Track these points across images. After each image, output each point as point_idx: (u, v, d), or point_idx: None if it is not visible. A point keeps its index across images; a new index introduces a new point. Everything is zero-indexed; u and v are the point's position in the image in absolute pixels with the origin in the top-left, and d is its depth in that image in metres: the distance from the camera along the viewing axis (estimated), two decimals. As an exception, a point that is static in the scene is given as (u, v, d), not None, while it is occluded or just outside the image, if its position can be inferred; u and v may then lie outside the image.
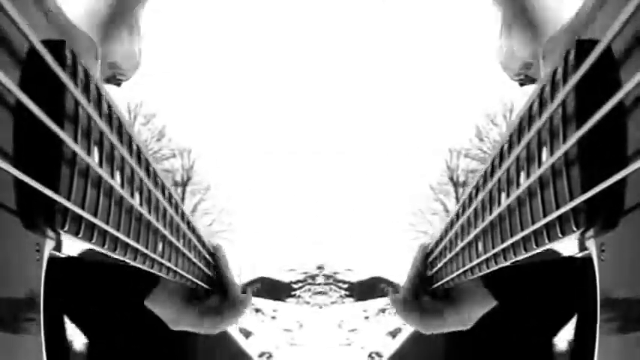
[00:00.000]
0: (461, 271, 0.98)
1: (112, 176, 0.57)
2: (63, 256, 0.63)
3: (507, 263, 0.72)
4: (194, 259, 1.06)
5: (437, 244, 1.19)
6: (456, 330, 1.20)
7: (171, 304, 1.13)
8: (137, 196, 0.66)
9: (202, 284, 1.16)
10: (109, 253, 0.61)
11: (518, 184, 0.61)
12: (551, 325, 0.95)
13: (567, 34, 0.45)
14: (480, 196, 0.79)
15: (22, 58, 0.41)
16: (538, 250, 0.59)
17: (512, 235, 0.65)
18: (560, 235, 0.52)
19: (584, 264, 0.56)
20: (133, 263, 0.70)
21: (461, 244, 0.94)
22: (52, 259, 0.52)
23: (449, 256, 1.06)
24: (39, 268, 0.49)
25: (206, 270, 1.17)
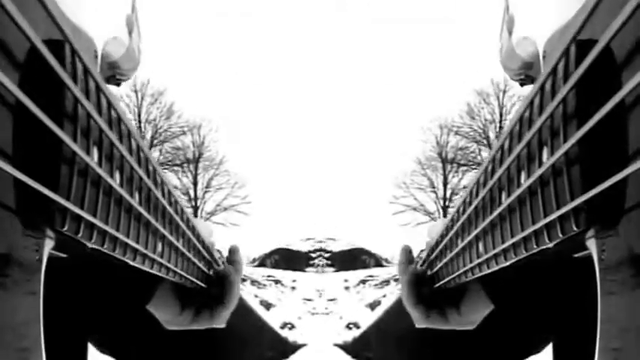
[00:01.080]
0: (461, 271, 0.98)
1: (112, 175, 0.57)
2: (63, 255, 0.63)
3: (508, 263, 0.72)
4: (193, 259, 1.05)
5: (437, 243, 1.19)
6: (460, 329, 1.21)
7: (168, 306, 1.13)
8: (137, 195, 0.66)
9: (201, 284, 1.16)
10: (109, 253, 0.61)
11: (518, 184, 0.61)
12: (551, 324, 0.95)
13: (567, 34, 0.45)
14: (480, 196, 0.79)
15: (23, 58, 0.41)
16: (538, 250, 0.59)
17: (512, 235, 0.65)
18: (560, 234, 0.52)
19: (584, 264, 0.56)
20: (132, 263, 0.70)
21: (461, 244, 0.94)
22: (52, 259, 0.52)
23: (449, 255, 1.06)
24: (39, 268, 0.49)
25: (204, 269, 1.17)
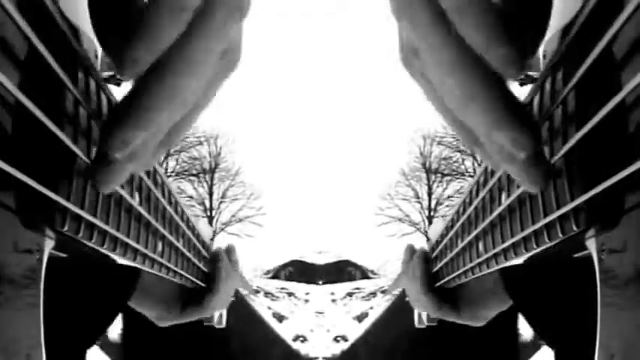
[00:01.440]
0: (461, 270, 0.98)
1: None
2: (63, 255, 0.63)
3: (508, 263, 0.72)
4: (193, 259, 1.06)
5: (438, 242, 1.19)
6: (468, 324, 1.21)
7: (154, 304, 1.12)
8: (137, 195, 0.66)
9: (201, 283, 1.16)
10: (109, 253, 0.61)
11: (518, 184, 0.61)
12: (551, 324, 0.95)
13: (567, 34, 0.45)
14: (481, 196, 0.79)
15: (23, 58, 0.41)
16: (538, 250, 0.59)
17: (512, 235, 0.65)
18: (560, 234, 0.52)
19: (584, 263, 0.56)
20: (132, 263, 0.70)
21: (461, 244, 0.94)
22: (52, 259, 0.52)
23: (449, 255, 1.06)
24: (39, 268, 0.49)
25: (205, 269, 1.17)
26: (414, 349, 1.27)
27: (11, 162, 0.40)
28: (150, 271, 0.79)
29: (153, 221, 0.73)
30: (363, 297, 10.97)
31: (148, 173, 0.69)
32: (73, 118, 0.48)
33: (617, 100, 0.39)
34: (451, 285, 1.12)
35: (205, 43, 0.45)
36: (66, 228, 0.49)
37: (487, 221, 0.75)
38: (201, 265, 1.14)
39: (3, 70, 0.37)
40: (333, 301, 11.11)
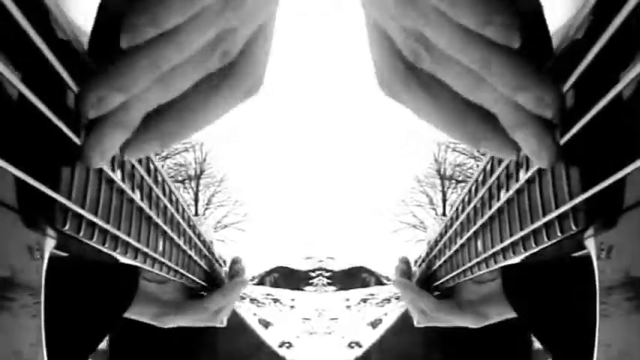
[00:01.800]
0: (460, 270, 0.98)
1: (112, 173, 0.57)
2: (64, 254, 0.63)
3: (507, 262, 0.72)
4: (195, 257, 1.06)
5: (436, 242, 1.19)
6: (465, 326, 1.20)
7: (152, 301, 1.10)
8: (138, 193, 0.66)
9: (202, 283, 1.16)
10: (110, 252, 0.61)
11: (517, 182, 0.61)
12: (550, 324, 0.95)
13: (567, 34, 0.46)
14: (479, 195, 0.79)
15: (23, 58, 0.41)
16: (537, 249, 0.59)
17: (511, 234, 0.65)
18: (559, 234, 0.52)
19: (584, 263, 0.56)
20: (133, 262, 0.70)
21: (459, 243, 0.94)
22: (53, 259, 0.52)
23: (447, 254, 1.06)
24: (40, 267, 0.49)
25: (206, 268, 1.17)
26: (428, 355, 1.27)
27: (12, 161, 0.41)
28: (151, 270, 0.79)
29: (154, 219, 0.73)
30: (377, 303, 10.95)
31: (148, 171, 0.69)
32: (74, 117, 0.48)
33: (615, 99, 0.39)
34: (450, 284, 1.12)
35: (198, 27, 0.45)
36: (67, 227, 0.49)
37: (485, 218, 0.75)
38: (202, 264, 1.14)
39: (4, 69, 0.37)
40: (348, 307, 11.11)
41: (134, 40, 0.44)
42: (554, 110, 0.44)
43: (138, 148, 0.48)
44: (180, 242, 0.92)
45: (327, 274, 13.65)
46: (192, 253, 1.03)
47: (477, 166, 0.76)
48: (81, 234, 0.52)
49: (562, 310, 0.86)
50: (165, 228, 0.81)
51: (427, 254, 1.26)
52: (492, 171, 0.71)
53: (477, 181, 0.82)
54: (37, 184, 0.43)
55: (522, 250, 0.63)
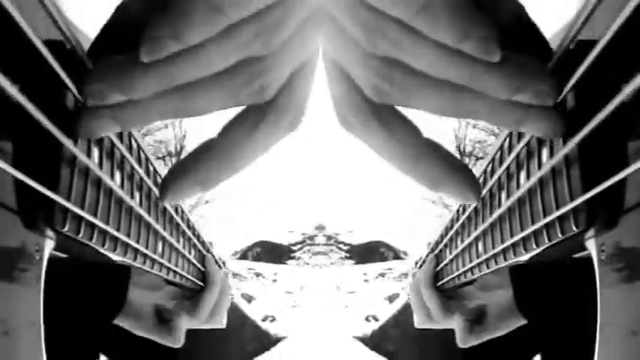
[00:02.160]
0: (461, 271, 0.98)
1: (112, 175, 0.57)
2: (63, 256, 0.63)
3: (507, 263, 0.72)
4: (193, 260, 1.06)
5: (437, 243, 1.19)
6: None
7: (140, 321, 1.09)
8: (137, 195, 0.66)
9: (201, 284, 1.16)
10: (109, 254, 0.61)
11: (518, 184, 0.61)
12: (550, 325, 0.95)
13: (567, 34, 0.45)
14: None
15: (23, 58, 0.41)
16: (537, 250, 0.59)
17: (512, 236, 0.65)
18: (560, 234, 0.52)
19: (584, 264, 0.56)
20: (133, 263, 0.70)
21: (461, 246, 0.94)
22: (52, 259, 0.52)
23: (449, 257, 1.06)
24: (39, 268, 0.49)
25: (202, 268, 1.17)
26: (445, 329, 1.25)
27: (11, 162, 0.40)
28: (150, 271, 0.79)
29: (153, 222, 0.73)
30: (394, 278, 10.87)
31: (148, 173, 0.69)
32: (74, 118, 0.48)
33: (617, 100, 0.39)
34: (450, 285, 1.12)
35: (221, 48, 0.43)
36: (66, 228, 0.49)
37: (487, 223, 0.75)
38: (200, 266, 1.14)
39: (3, 70, 0.37)
40: (366, 281, 11.03)
41: (154, 54, 0.42)
42: (554, 96, 0.43)
43: (179, 192, 0.47)
44: (179, 245, 0.92)
45: (345, 248, 13.51)
46: (191, 256, 1.03)
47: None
48: (80, 235, 0.52)
49: (562, 307, 0.86)
50: (165, 229, 0.81)
51: (427, 255, 1.26)
52: (493, 172, 0.70)
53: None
54: (36, 186, 0.43)
55: (523, 252, 0.63)
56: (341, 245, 13.29)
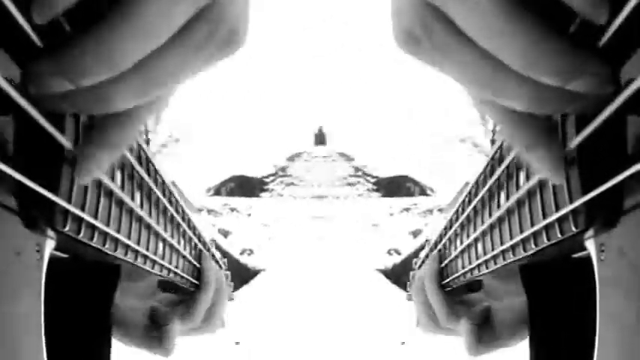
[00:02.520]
0: (460, 272, 0.98)
1: (113, 176, 0.57)
2: (64, 256, 0.63)
3: (507, 263, 0.72)
4: (194, 261, 1.06)
5: (436, 244, 1.19)
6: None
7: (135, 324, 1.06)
8: (137, 195, 0.66)
9: (194, 281, 1.15)
10: (110, 254, 0.61)
11: (517, 185, 0.61)
12: (550, 325, 0.95)
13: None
14: (479, 196, 0.79)
15: (22, 59, 0.41)
16: (537, 250, 0.59)
17: (511, 236, 0.65)
18: (559, 235, 0.52)
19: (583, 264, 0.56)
20: (133, 263, 0.70)
21: (460, 247, 0.94)
22: (53, 259, 0.52)
23: (448, 258, 1.06)
24: (39, 268, 0.49)
25: (197, 265, 1.16)
26: None
27: (12, 163, 0.40)
28: (151, 271, 0.79)
29: (153, 223, 0.73)
30: (419, 213, 10.79)
31: (148, 172, 0.69)
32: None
33: (618, 101, 0.39)
34: (450, 286, 1.12)
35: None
36: (67, 228, 0.49)
37: (487, 224, 0.75)
38: (196, 263, 1.14)
39: (3, 70, 0.37)
40: (391, 214, 10.94)
41: (86, 83, 0.38)
42: (611, 84, 0.39)
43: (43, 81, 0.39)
44: (180, 246, 0.92)
45: (373, 180, 13.41)
46: (191, 257, 1.03)
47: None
48: (81, 235, 0.52)
49: (561, 308, 0.86)
50: (165, 230, 0.81)
51: (427, 256, 1.26)
52: (492, 171, 0.71)
53: (477, 181, 0.82)
54: (37, 187, 0.43)
55: (522, 252, 0.63)
56: (368, 177, 13.15)
